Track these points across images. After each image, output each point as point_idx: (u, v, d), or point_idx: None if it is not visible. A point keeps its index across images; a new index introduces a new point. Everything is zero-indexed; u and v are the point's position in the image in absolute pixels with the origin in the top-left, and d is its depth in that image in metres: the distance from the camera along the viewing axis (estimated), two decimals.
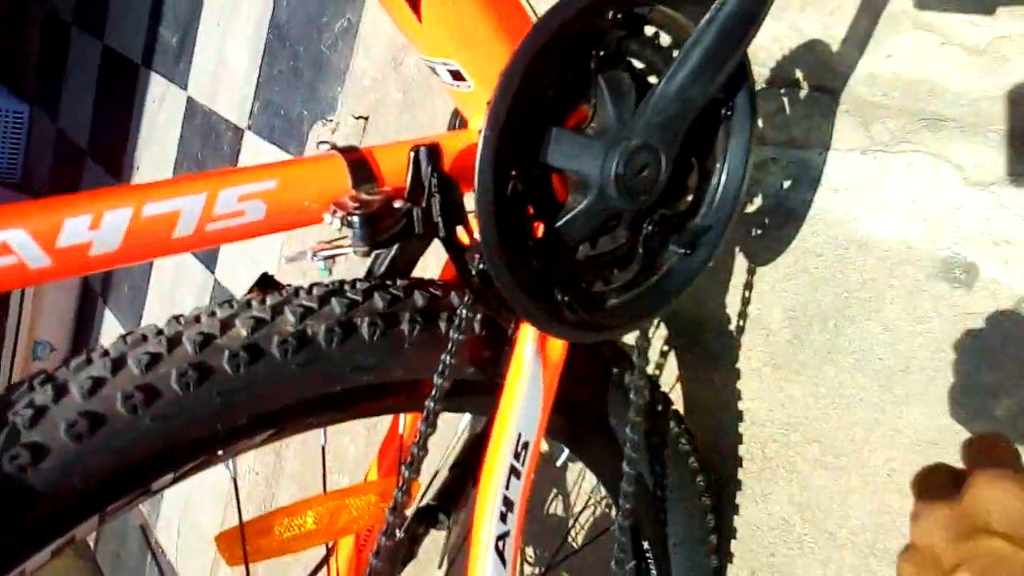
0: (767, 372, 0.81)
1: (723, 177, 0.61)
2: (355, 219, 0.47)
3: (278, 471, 1.61)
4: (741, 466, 0.83)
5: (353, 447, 1.40)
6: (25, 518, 0.41)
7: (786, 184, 0.79)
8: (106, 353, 0.46)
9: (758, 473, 0.82)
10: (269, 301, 0.50)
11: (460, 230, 0.54)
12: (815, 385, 0.77)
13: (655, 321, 0.89)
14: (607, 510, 0.96)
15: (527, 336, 0.57)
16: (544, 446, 0.76)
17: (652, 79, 0.56)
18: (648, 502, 0.73)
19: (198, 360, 0.46)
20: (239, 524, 0.53)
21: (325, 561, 0.69)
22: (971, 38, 0.68)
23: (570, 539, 0.99)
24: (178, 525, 2.00)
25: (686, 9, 0.54)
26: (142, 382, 0.44)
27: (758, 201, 0.81)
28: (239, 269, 1.89)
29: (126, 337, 0.47)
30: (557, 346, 0.59)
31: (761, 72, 0.82)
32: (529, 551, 1.06)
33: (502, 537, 0.55)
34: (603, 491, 0.92)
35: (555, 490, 1.04)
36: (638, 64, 0.56)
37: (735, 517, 0.83)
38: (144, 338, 0.47)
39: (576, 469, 1.01)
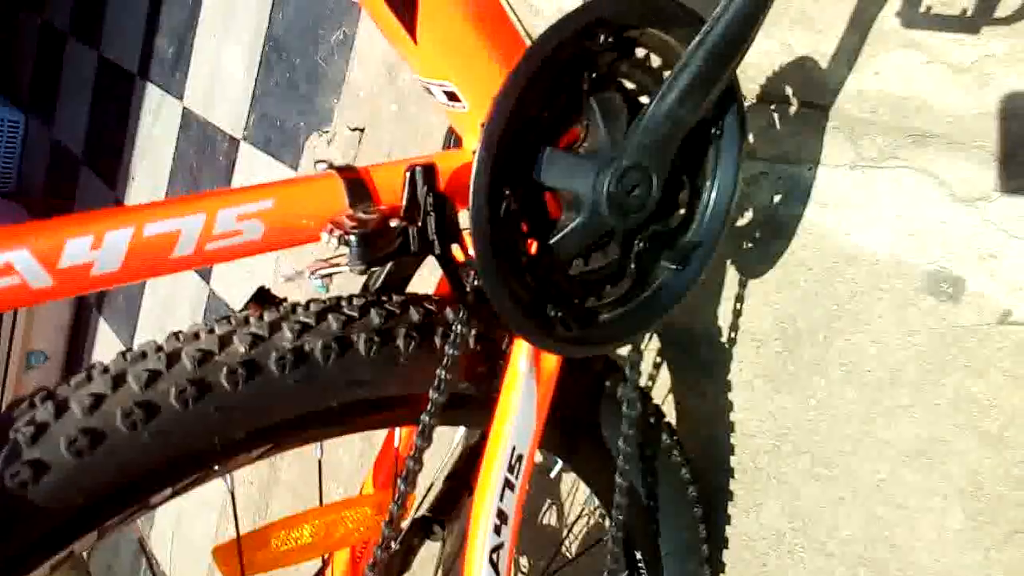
0: (758, 384, 0.82)
1: (713, 194, 0.62)
2: (352, 238, 0.48)
3: (272, 481, 1.61)
4: (733, 477, 0.84)
5: (347, 458, 1.41)
6: (26, 533, 0.42)
7: (776, 198, 0.80)
8: (106, 370, 0.47)
9: (749, 484, 0.83)
10: (267, 317, 0.51)
11: (455, 247, 0.55)
12: (805, 397, 0.78)
13: (647, 334, 0.90)
14: (600, 520, 0.96)
15: (521, 351, 0.58)
16: (538, 457, 0.77)
17: (643, 100, 0.57)
18: (640, 513, 0.74)
19: (197, 376, 0.47)
20: (236, 537, 0.54)
21: (320, 573, 0.70)
22: (957, 56, 0.69)
23: (564, 549, 1.00)
24: (172, 537, 2.00)
25: (676, 32, 0.55)
26: (142, 399, 0.45)
27: (749, 215, 0.82)
28: (234, 281, 1.90)
29: (125, 354, 0.48)
30: (551, 360, 0.60)
31: (751, 88, 0.83)
32: (523, 561, 1.06)
33: (496, 549, 0.56)
34: (596, 502, 0.93)
35: (549, 500, 1.05)
36: (629, 85, 0.58)
37: (727, 527, 0.84)
38: (144, 355, 0.48)
39: (569, 480, 1.02)
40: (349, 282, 0.67)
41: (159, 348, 0.48)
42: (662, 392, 0.91)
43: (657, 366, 0.91)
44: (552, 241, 0.56)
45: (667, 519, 0.75)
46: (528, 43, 0.56)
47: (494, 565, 0.56)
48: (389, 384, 0.55)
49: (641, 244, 0.60)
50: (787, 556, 0.80)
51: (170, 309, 2.14)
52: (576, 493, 1.02)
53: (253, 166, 1.86)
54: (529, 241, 0.56)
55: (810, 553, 0.78)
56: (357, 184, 0.52)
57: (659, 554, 0.76)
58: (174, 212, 0.45)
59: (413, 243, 0.52)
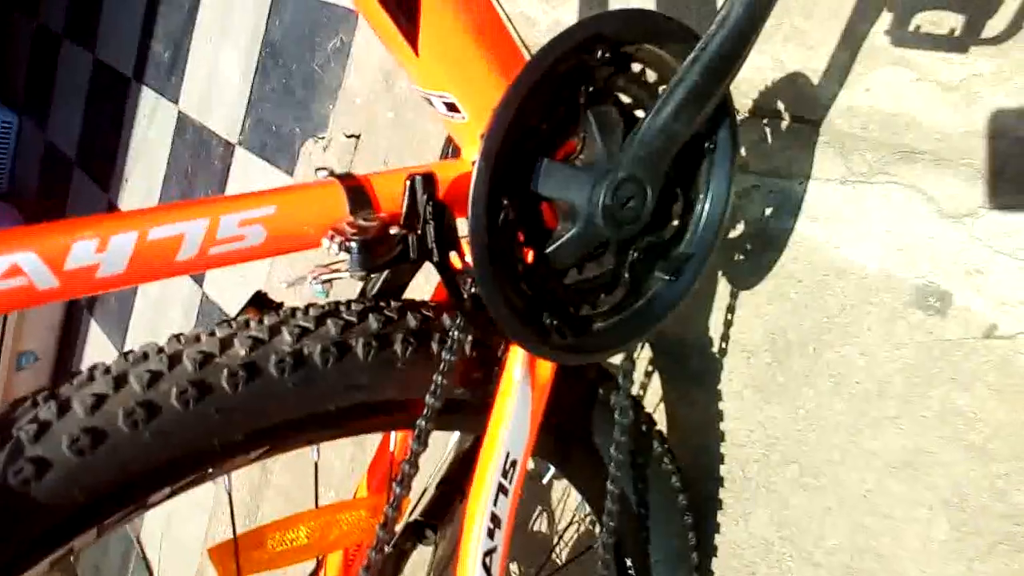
0: (748, 394, 0.83)
1: (706, 207, 0.63)
2: (353, 244, 0.49)
3: (263, 485, 1.61)
4: (722, 486, 0.85)
5: (339, 463, 1.41)
6: (28, 530, 0.42)
7: (768, 211, 0.82)
8: (108, 370, 0.47)
9: (739, 493, 0.84)
10: (267, 321, 0.52)
11: (453, 255, 0.56)
12: (794, 407, 0.79)
13: (640, 343, 0.91)
14: (591, 527, 0.97)
15: (516, 358, 0.59)
16: (529, 464, 0.78)
17: (639, 113, 0.59)
18: (631, 520, 0.75)
19: (198, 378, 0.47)
20: (233, 537, 0.54)
21: (314, 575, 0.70)
22: (946, 75, 0.70)
23: (554, 556, 1.01)
24: (161, 539, 1.99)
25: (671, 48, 0.56)
26: (143, 399, 0.46)
27: (741, 227, 0.84)
28: (227, 285, 1.90)
29: (127, 355, 0.49)
30: (545, 368, 0.61)
31: (744, 102, 0.84)
32: (513, 567, 1.07)
33: (489, 553, 0.57)
34: (587, 508, 0.94)
35: (540, 507, 1.05)
36: (625, 99, 0.59)
37: (716, 536, 0.85)
38: (145, 356, 0.48)
39: (560, 487, 1.03)
40: (344, 289, 0.68)
41: (160, 350, 0.49)
42: (653, 401, 0.92)
43: (649, 375, 0.92)
44: (548, 250, 0.57)
45: (657, 526, 0.76)
46: (526, 56, 0.57)
47: (487, 569, 0.56)
48: (386, 388, 0.55)
49: (635, 254, 0.61)
50: (775, 565, 0.81)
51: (162, 312, 2.14)
52: (567, 500, 1.02)
53: (248, 171, 1.86)
54: (526, 250, 0.57)
55: (798, 562, 0.79)
56: (358, 191, 0.53)
57: (649, 561, 0.77)
58: (178, 216, 0.46)
59: (412, 250, 0.53)
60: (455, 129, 0.60)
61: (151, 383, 0.46)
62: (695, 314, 0.87)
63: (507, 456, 0.58)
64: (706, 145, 0.62)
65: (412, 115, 1.39)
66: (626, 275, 0.61)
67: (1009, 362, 0.66)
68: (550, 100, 0.54)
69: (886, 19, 0.73)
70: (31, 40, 3.21)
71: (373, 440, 1.33)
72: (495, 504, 0.57)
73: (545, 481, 0.79)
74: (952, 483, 0.69)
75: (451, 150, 0.68)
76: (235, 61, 1.93)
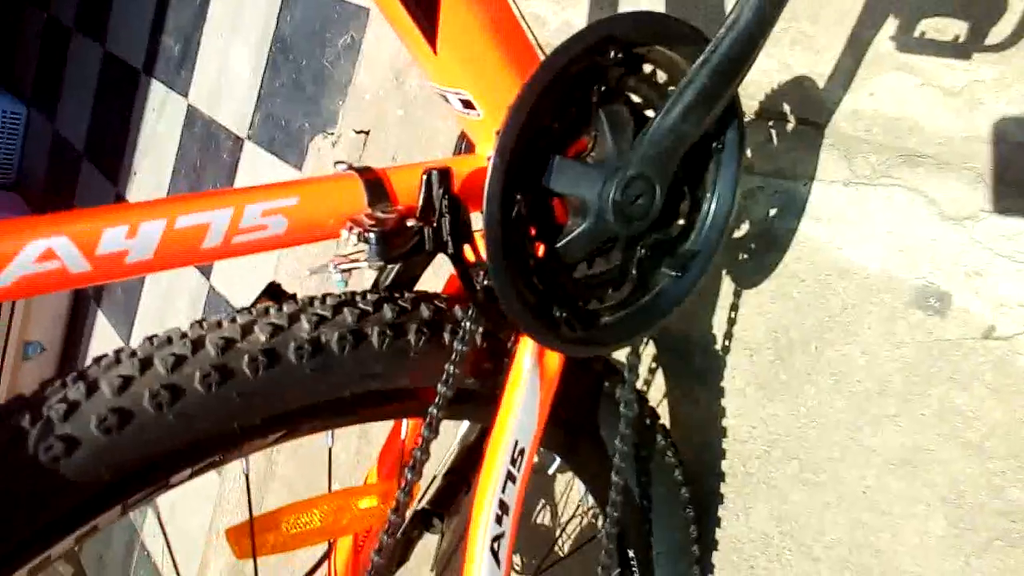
0: (750, 391, 0.85)
1: (713, 206, 0.65)
2: (371, 235, 0.51)
3: (268, 476, 1.63)
4: (724, 481, 0.87)
5: (344, 455, 1.43)
6: (57, 505, 0.44)
7: (772, 212, 0.83)
8: (134, 353, 0.49)
9: (740, 488, 0.85)
10: (286, 309, 0.54)
11: (466, 248, 0.57)
12: (796, 405, 0.81)
13: (645, 339, 0.93)
14: (593, 520, 0.99)
15: (526, 349, 0.61)
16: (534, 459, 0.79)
17: (649, 113, 0.60)
18: (634, 511, 0.76)
19: (220, 362, 0.49)
20: (249, 518, 0.56)
21: (325, 558, 0.72)
22: (948, 81, 0.72)
23: (557, 548, 1.02)
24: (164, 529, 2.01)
25: (682, 50, 0.58)
26: (168, 381, 0.47)
27: (745, 227, 0.85)
28: (235, 276, 1.92)
29: (152, 339, 0.50)
30: (554, 360, 0.63)
31: (751, 104, 0.86)
32: (516, 559, 1.09)
33: (497, 538, 0.58)
34: (589, 502, 0.96)
35: (543, 501, 1.07)
36: (636, 99, 0.60)
37: (717, 530, 0.87)
38: (169, 340, 0.50)
39: (563, 481, 1.05)
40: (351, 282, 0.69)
41: (184, 335, 0.50)
42: (657, 398, 0.93)
43: (653, 372, 0.94)
44: (559, 245, 0.59)
45: (660, 519, 0.78)
46: (541, 56, 0.59)
47: (495, 554, 0.58)
48: (399, 377, 0.57)
49: (643, 251, 0.62)
50: (775, 559, 0.82)
51: (169, 303, 2.16)
52: (570, 493, 1.04)
53: (256, 165, 1.88)
54: (537, 244, 0.59)
55: (797, 556, 0.80)
56: (376, 185, 0.54)
57: (651, 553, 0.79)
58: (204, 205, 0.47)
59: (428, 242, 0.54)
60: (470, 125, 0.62)
61: (175, 366, 0.48)
62: (699, 312, 0.89)
63: (516, 444, 0.59)
64: (714, 145, 0.63)
65: (421, 112, 1.41)
66: (633, 271, 0.63)
67: (1007, 362, 0.67)
68: (563, 99, 0.55)
69: (891, 25, 0.75)
70: (41, 32, 3.23)
71: (378, 433, 1.35)
72: (503, 491, 0.59)
73: (551, 472, 0.80)
74: (950, 480, 0.70)
75: (464, 146, 0.69)
76: (245, 56, 1.94)
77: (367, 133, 1.54)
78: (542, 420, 0.62)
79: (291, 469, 1.60)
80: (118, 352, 0.49)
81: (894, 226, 0.74)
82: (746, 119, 0.83)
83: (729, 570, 0.86)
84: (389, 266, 0.64)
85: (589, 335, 0.61)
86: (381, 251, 0.51)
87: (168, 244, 0.46)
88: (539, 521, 1.07)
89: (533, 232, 0.58)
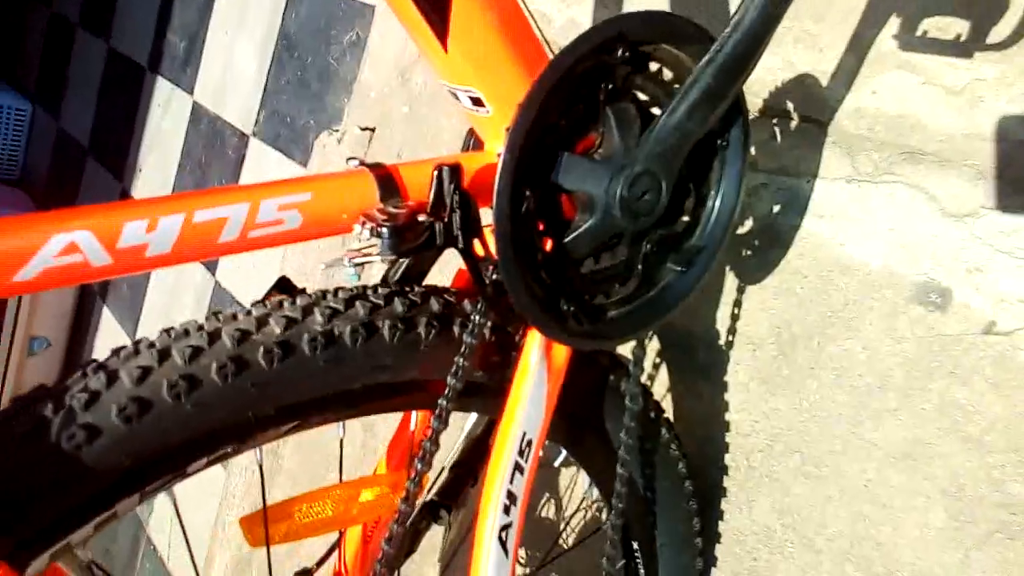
0: (753, 386, 0.86)
1: (717, 202, 0.66)
2: (383, 230, 0.52)
3: (275, 470, 1.64)
4: (727, 474, 0.88)
5: (350, 448, 1.44)
6: (80, 491, 0.45)
7: (776, 209, 0.84)
8: (152, 345, 0.50)
9: (743, 481, 0.86)
10: (300, 302, 0.55)
11: (476, 242, 0.58)
12: (798, 399, 0.82)
13: (650, 333, 0.94)
14: (597, 514, 1.00)
15: (533, 342, 0.62)
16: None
17: (655, 111, 0.61)
18: (638, 503, 0.77)
19: (236, 354, 0.50)
20: (263, 507, 0.57)
21: (335, 548, 0.73)
22: (950, 79, 0.73)
23: (561, 541, 1.03)
24: (170, 523, 2.02)
25: (688, 49, 0.59)
26: (185, 372, 0.49)
27: (749, 224, 0.86)
28: (240, 272, 1.93)
29: (169, 331, 0.52)
30: (561, 353, 0.64)
31: (755, 102, 0.87)
32: (521, 552, 1.10)
33: (505, 528, 0.59)
34: (594, 496, 0.97)
35: (548, 495, 1.08)
36: (643, 97, 0.61)
37: (720, 523, 0.88)
38: (186, 332, 0.51)
39: (568, 475, 1.06)
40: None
41: (200, 327, 0.52)
42: (661, 391, 0.94)
43: (657, 367, 0.95)
44: (566, 240, 0.60)
45: (664, 511, 0.79)
46: (549, 54, 0.60)
47: (503, 543, 0.59)
48: (409, 369, 0.58)
49: (648, 246, 0.63)
50: (777, 551, 0.83)
51: (175, 300, 2.17)
52: (574, 488, 1.05)
53: (262, 162, 1.89)
54: (545, 239, 0.60)
55: (799, 549, 0.82)
56: (387, 180, 0.55)
57: (655, 545, 0.80)
58: (222, 200, 0.48)
59: (439, 237, 0.55)
60: (479, 123, 0.63)
61: (193, 357, 0.49)
62: (703, 308, 0.90)
63: (523, 436, 0.61)
64: (719, 142, 0.64)
65: (426, 109, 1.42)
66: (639, 266, 0.64)
67: (1007, 357, 0.68)
68: (571, 97, 0.56)
69: (894, 24, 0.76)
70: (46, 29, 3.24)
71: (383, 427, 1.36)
72: (511, 482, 0.60)
73: (557, 464, 0.81)
74: (950, 474, 0.71)
75: (473, 142, 0.71)
76: (251, 53, 1.95)
77: (372, 130, 1.55)
78: (549, 412, 0.63)
79: (296, 463, 1.61)
80: (137, 343, 0.50)
81: (896, 223, 0.75)
82: (750, 117, 0.84)
83: (732, 562, 0.87)
84: (398, 261, 0.65)
85: (595, 329, 0.62)
86: (393, 245, 0.52)
87: (186, 238, 0.47)
88: (543, 515, 1.08)
89: (541, 227, 0.59)
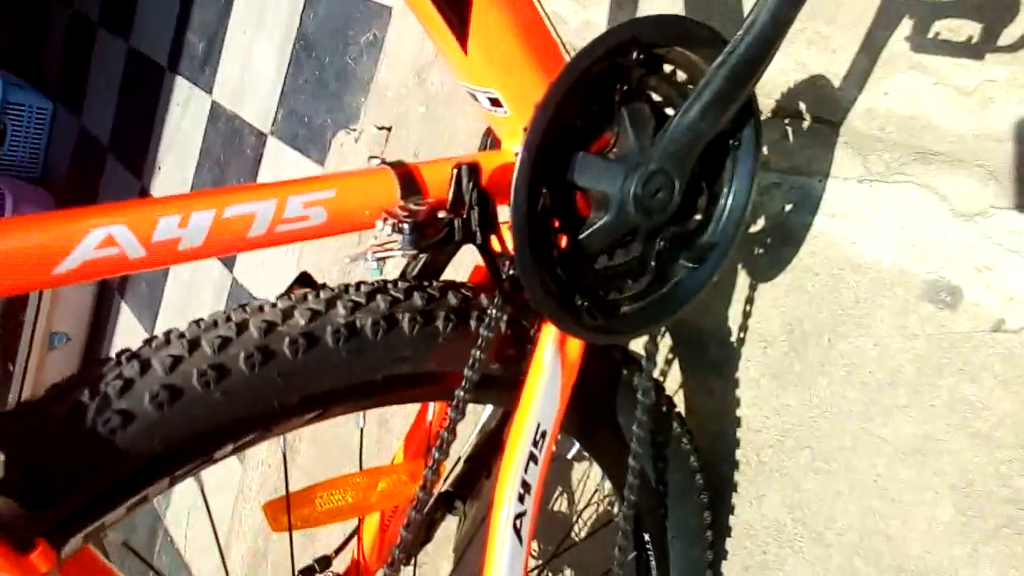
0: (764, 382, 0.87)
1: (730, 200, 0.67)
2: (405, 226, 0.54)
3: (290, 464, 1.66)
4: (738, 469, 0.89)
5: (364, 441, 1.46)
6: (115, 474, 0.47)
7: (788, 208, 0.85)
8: (182, 335, 0.52)
9: (753, 476, 0.88)
10: (323, 295, 0.57)
11: (493, 239, 0.60)
12: (809, 395, 0.83)
13: (662, 329, 0.95)
14: (609, 508, 1.01)
15: (548, 336, 0.64)
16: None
17: (669, 111, 0.63)
18: (650, 496, 0.79)
19: (263, 344, 0.52)
20: (286, 494, 0.59)
21: (353, 536, 0.75)
22: (961, 80, 0.74)
23: (573, 534, 1.05)
24: (188, 516, 2.05)
25: (701, 51, 0.61)
26: (215, 361, 0.51)
27: (761, 222, 0.87)
28: (258, 269, 1.96)
29: (199, 322, 0.54)
30: (575, 346, 0.65)
31: (767, 102, 0.88)
32: (534, 545, 1.11)
33: (520, 516, 0.61)
34: (606, 490, 0.98)
35: (560, 489, 1.10)
36: (657, 97, 0.63)
37: (731, 516, 0.89)
38: (215, 323, 0.53)
39: (580, 470, 1.07)
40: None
41: (228, 318, 0.54)
42: (673, 387, 0.95)
43: (669, 362, 0.96)
44: (581, 237, 0.61)
45: (675, 504, 0.80)
46: (566, 56, 0.62)
47: (517, 532, 0.61)
48: (428, 361, 0.60)
49: (662, 243, 0.65)
50: (787, 545, 0.85)
51: (193, 296, 2.20)
52: (586, 483, 1.07)
53: (279, 161, 1.91)
54: (560, 236, 0.61)
55: (808, 543, 0.83)
56: (408, 178, 0.57)
57: (666, 537, 0.81)
58: (250, 197, 0.50)
59: (457, 233, 0.57)
60: (497, 122, 0.65)
61: (221, 347, 0.51)
62: (716, 305, 0.91)
63: (538, 427, 0.62)
64: (731, 142, 0.66)
65: (443, 109, 1.43)
66: (652, 262, 0.65)
67: (1016, 355, 0.69)
68: (587, 98, 0.58)
69: (906, 26, 0.77)
70: (67, 28, 3.28)
71: (398, 422, 1.38)
72: (526, 471, 0.62)
73: (570, 456, 0.83)
74: (959, 469, 0.72)
75: (490, 142, 0.72)
76: (269, 53, 1.98)
77: (389, 129, 1.57)
78: (563, 404, 0.64)
79: (311, 459, 1.63)
80: (168, 333, 0.52)
81: (907, 222, 0.76)
82: (763, 117, 0.85)
83: (742, 555, 0.88)
84: (417, 257, 0.67)
85: (609, 323, 0.64)
86: (414, 240, 0.54)
87: (217, 232, 0.50)
88: (556, 508, 1.10)
89: (557, 224, 0.61)
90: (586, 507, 1.04)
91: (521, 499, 0.61)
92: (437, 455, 0.59)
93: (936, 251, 0.74)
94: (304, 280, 0.65)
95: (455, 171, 0.57)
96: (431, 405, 0.78)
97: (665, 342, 0.96)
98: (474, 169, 0.57)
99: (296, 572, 0.76)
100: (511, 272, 0.59)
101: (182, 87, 2.38)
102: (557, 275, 0.60)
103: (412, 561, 0.77)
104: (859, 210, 0.79)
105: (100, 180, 2.82)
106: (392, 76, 1.57)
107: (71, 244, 0.45)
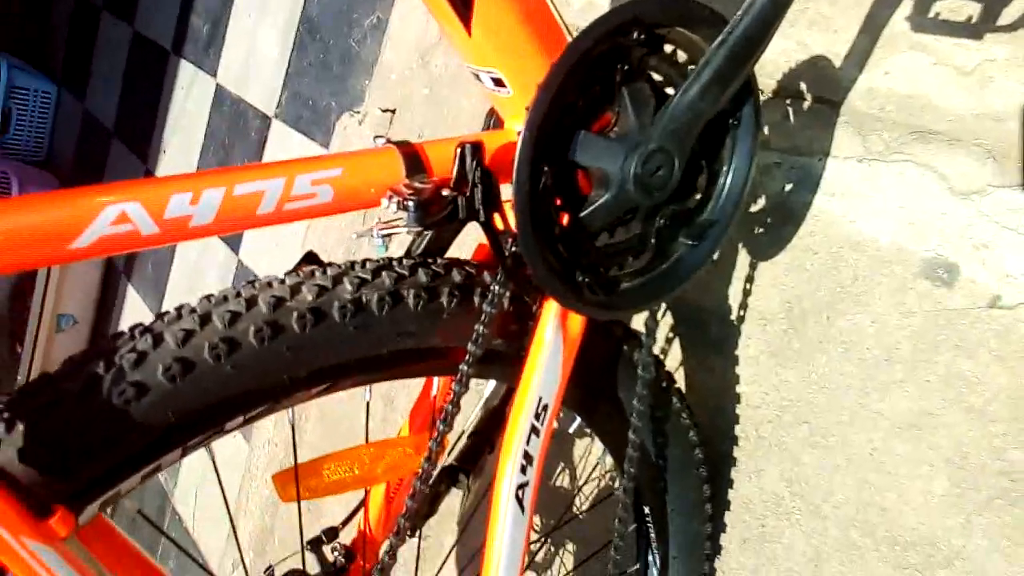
0: (763, 359, 0.88)
1: (729, 178, 0.68)
2: (410, 204, 0.55)
3: (297, 442, 1.68)
4: (737, 444, 0.90)
5: (370, 419, 1.48)
6: (130, 444, 0.49)
7: (788, 187, 0.86)
8: (194, 310, 0.54)
9: (752, 451, 0.89)
10: (330, 272, 0.58)
11: (496, 216, 0.61)
12: (807, 371, 0.84)
13: (663, 306, 0.97)
14: (610, 483, 1.03)
15: (550, 312, 0.65)
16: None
17: (669, 90, 0.64)
18: (650, 470, 0.80)
19: (272, 319, 0.54)
20: (294, 465, 0.61)
21: (360, 507, 0.77)
22: (961, 60, 0.74)
23: (575, 508, 1.07)
24: (195, 494, 2.08)
25: (701, 31, 0.61)
26: (225, 335, 0.52)
27: (761, 202, 0.88)
28: (262, 250, 1.97)
29: (209, 297, 0.55)
30: (576, 322, 0.67)
31: (768, 83, 0.88)
32: (537, 519, 1.13)
33: (522, 487, 0.63)
34: (606, 465, 1.00)
35: (562, 464, 1.12)
36: (657, 77, 0.64)
37: (729, 490, 0.91)
38: (225, 298, 0.55)
39: (581, 447, 1.09)
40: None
41: (238, 293, 0.55)
42: (673, 364, 0.97)
43: (670, 340, 0.97)
44: (583, 215, 0.63)
45: (674, 478, 0.82)
46: (568, 36, 0.63)
47: (519, 501, 0.63)
48: (432, 336, 0.62)
49: (662, 221, 0.66)
50: (784, 518, 0.86)
51: (198, 278, 2.22)
52: (587, 458, 1.08)
53: (284, 143, 1.92)
54: (562, 214, 0.63)
55: (806, 515, 0.84)
56: (413, 157, 0.58)
57: (666, 510, 0.83)
58: (259, 175, 0.52)
59: (461, 211, 0.58)
60: (500, 102, 0.66)
61: (232, 321, 0.53)
62: (716, 283, 0.92)
63: (539, 400, 0.64)
64: (731, 121, 0.67)
65: (447, 91, 1.44)
66: (653, 240, 0.67)
67: (1011, 331, 0.70)
68: (588, 77, 0.59)
69: (907, 6, 0.77)
70: (71, 13, 3.28)
71: (402, 400, 1.39)
72: (528, 443, 0.63)
73: (572, 430, 0.85)
74: (954, 443, 0.73)
75: (493, 121, 0.73)
76: (273, 35, 1.98)
77: (393, 111, 1.57)
78: (564, 378, 0.66)
79: (318, 436, 1.66)
80: (180, 308, 0.54)
81: (905, 200, 0.77)
82: (764, 97, 0.86)
83: (741, 528, 0.90)
84: (422, 234, 0.68)
85: (610, 300, 0.65)
86: (419, 218, 0.55)
87: (227, 210, 0.51)
88: (558, 484, 1.11)
89: (558, 202, 0.62)
90: (587, 482, 1.06)
91: (523, 470, 0.63)
92: (441, 427, 0.60)
93: (934, 229, 0.75)
94: (311, 258, 0.66)
95: (459, 150, 0.58)
96: (435, 380, 0.80)
97: (666, 321, 0.97)
98: (477, 148, 0.58)
99: (304, 542, 0.78)
100: (513, 249, 0.61)
101: (187, 70, 2.38)
102: (559, 252, 0.62)
103: (417, 533, 0.79)
104: (858, 189, 0.80)
105: (105, 163, 2.83)
106: (396, 58, 1.58)
107: (86, 221, 0.46)
